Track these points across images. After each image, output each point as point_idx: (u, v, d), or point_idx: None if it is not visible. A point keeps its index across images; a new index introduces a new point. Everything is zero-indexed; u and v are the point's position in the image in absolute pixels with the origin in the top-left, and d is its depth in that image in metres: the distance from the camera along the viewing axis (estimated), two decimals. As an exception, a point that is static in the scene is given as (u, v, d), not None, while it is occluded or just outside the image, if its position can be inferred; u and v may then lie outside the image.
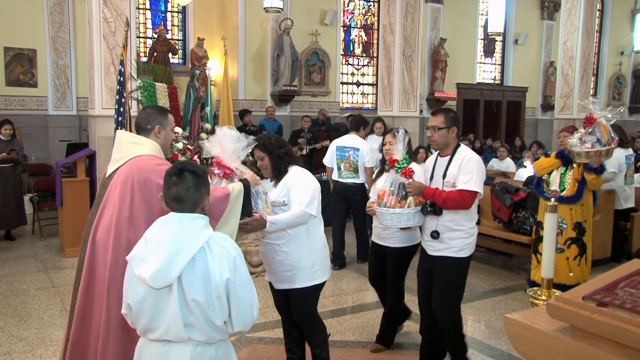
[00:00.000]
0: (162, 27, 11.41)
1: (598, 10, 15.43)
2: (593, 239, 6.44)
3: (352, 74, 14.04)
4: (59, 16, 10.47)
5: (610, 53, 17.93)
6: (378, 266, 4.14)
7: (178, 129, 6.74)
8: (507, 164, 9.28)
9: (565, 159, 5.05)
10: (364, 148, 6.21)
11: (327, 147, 9.74)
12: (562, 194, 5.02)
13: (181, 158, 6.31)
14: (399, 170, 3.39)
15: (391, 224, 3.49)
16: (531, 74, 16.52)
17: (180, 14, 12.12)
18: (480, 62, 16.06)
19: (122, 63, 6.16)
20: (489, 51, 16.12)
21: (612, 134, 4.69)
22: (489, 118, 15.58)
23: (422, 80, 12.85)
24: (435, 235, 3.42)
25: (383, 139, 4.38)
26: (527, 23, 16.22)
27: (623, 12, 17.95)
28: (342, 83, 13.78)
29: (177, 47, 11.66)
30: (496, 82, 16.31)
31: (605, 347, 1.41)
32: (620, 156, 6.47)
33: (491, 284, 5.83)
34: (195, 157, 6.73)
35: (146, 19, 11.72)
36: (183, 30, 12.16)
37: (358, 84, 14.15)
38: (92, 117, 7.12)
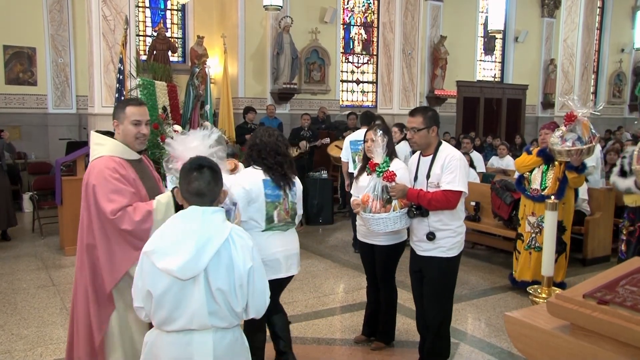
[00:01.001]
0: (162, 25, 11.40)
1: (598, 7, 15.42)
2: (593, 237, 6.45)
3: (352, 72, 14.03)
4: (58, 14, 10.46)
5: (611, 50, 17.91)
6: (373, 264, 4.06)
7: (178, 127, 6.74)
8: (507, 162, 9.26)
9: (547, 157, 5.00)
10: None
11: (327, 145, 9.78)
12: (543, 193, 5.00)
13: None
14: (380, 174, 3.34)
15: (378, 229, 3.43)
16: (531, 71, 16.50)
17: (179, 12, 12.10)
18: (481, 60, 16.05)
19: (121, 61, 6.16)
20: (489, 49, 16.10)
21: (593, 132, 4.62)
22: (489, 116, 15.57)
23: (422, 78, 12.84)
24: (431, 236, 3.38)
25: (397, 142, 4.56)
26: (527, 20, 16.20)
27: (623, 9, 17.93)
28: (342, 81, 13.77)
29: (176, 45, 11.65)
30: (496, 79, 16.31)
31: (606, 345, 1.41)
32: (597, 151, 6.59)
33: (491, 282, 5.82)
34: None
35: (146, 17, 11.71)
36: (183, 28, 12.15)
37: (358, 81, 14.14)
38: (91, 115, 7.11)
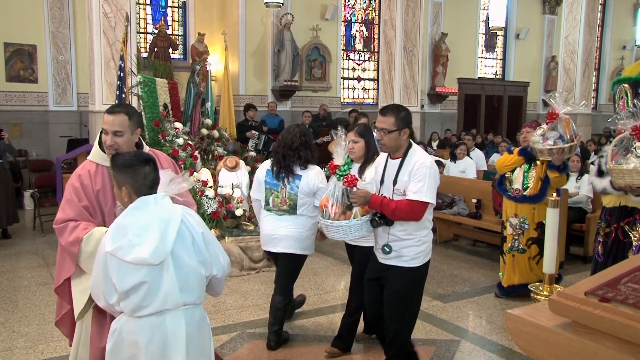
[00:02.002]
0: (163, 22, 11.40)
1: (600, 4, 15.37)
2: (594, 235, 6.41)
3: (353, 69, 14.02)
4: (59, 11, 10.45)
5: (612, 47, 17.87)
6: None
7: (179, 125, 6.74)
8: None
9: (528, 156, 4.84)
10: None
11: (328, 143, 9.76)
12: (525, 193, 4.86)
13: (182, 154, 6.32)
14: (341, 177, 3.06)
15: (337, 237, 3.16)
16: (533, 68, 16.48)
17: (180, 9, 12.09)
18: (482, 57, 16.03)
19: (122, 58, 6.16)
20: (490, 46, 16.08)
21: (574, 130, 4.44)
22: (490, 113, 15.55)
23: (423, 75, 12.82)
24: (387, 249, 3.16)
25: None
26: (528, 17, 16.17)
27: (625, 6, 17.89)
28: (343, 78, 13.76)
29: (177, 42, 11.65)
30: (497, 76, 16.28)
31: (607, 343, 1.41)
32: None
33: (493, 279, 5.81)
34: (196, 153, 6.73)
35: (146, 14, 11.70)
36: (183, 26, 12.13)
37: (359, 79, 14.13)
38: (92, 112, 7.11)
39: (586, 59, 10.92)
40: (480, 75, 15.88)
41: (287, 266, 4.06)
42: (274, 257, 4.18)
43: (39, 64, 10.46)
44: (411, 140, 3.20)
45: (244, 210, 6.24)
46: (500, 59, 16.46)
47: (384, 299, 3.28)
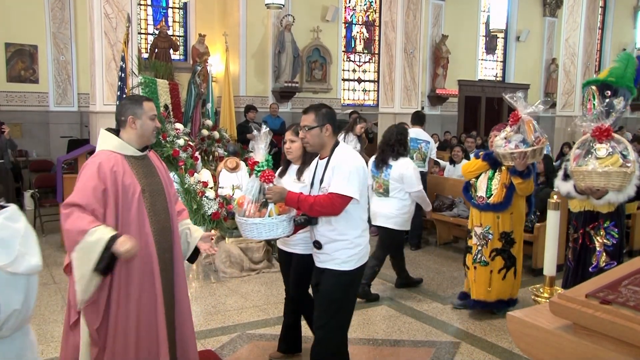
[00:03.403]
0: (164, 23, 11.41)
1: (600, 7, 15.37)
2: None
3: (354, 71, 14.03)
4: (60, 12, 10.46)
5: (613, 50, 17.87)
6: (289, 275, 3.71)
7: (179, 125, 6.75)
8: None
9: (493, 161, 4.53)
10: (432, 141, 7.32)
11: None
12: (488, 201, 4.51)
13: (183, 154, 6.32)
14: (259, 173, 2.99)
15: (251, 236, 3.05)
16: (533, 71, 16.49)
17: (181, 10, 12.11)
18: (482, 59, 16.05)
19: (123, 59, 6.16)
20: (490, 48, 16.09)
21: (538, 133, 4.18)
22: (490, 115, 15.56)
23: (423, 77, 12.83)
24: (317, 245, 3.07)
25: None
26: (528, 20, 16.19)
27: (625, 8, 17.91)
28: (344, 80, 13.78)
29: (178, 43, 11.66)
30: (498, 79, 16.29)
31: (608, 345, 1.41)
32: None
33: (492, 281, 5.81)
34: (197, 154, 6.74)
35: (147, 15, 11.72)
36: (184, 27, 12.15)
37: (359, 80, 14.14)
38: (93, 113, 7.11)
39: (586, 61, 10.92)
40: (480, 77, 15.89)
41: (382, 237, 5.22)
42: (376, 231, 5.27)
43: (39, 65, 10.46)
44: (339, 140, 3.13)
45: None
46: (500, 61, 16.47)
47: (315, 303, 3.21)
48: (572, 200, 3.84)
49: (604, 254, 3.74)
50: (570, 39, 10.95)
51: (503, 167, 4.46)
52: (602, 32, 17.39)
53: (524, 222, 4.71)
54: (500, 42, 16.25)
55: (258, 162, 3.01)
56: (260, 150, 3.05)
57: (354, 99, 14.07)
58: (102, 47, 6.78)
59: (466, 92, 15.04)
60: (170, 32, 11.51)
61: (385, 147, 5.12)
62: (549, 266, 2.84)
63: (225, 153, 7.34)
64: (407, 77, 9.70)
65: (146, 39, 11.51)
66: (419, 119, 7.40)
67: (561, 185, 3.83)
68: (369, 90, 14.29)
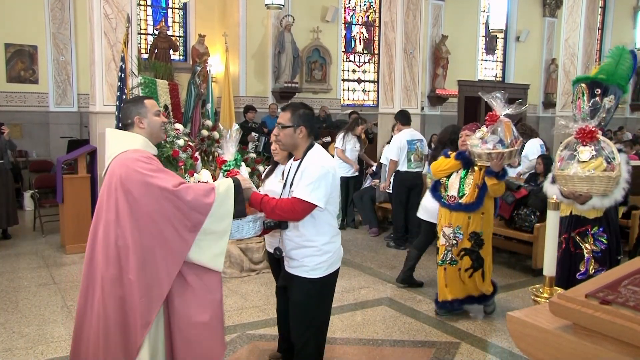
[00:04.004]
0: (163, 23, 11.40)
1: (600, 7, 15.39)
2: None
3: (354, 71, 14.03)
4: (59, 12, 10.46)
5: (612, 50, 17.87)
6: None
7: (179, 126, 6.74)
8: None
9: (466, 160, 4.44)
10: (424, 139, 7.24)
11: (328, 143, 9.77)
12: (460, 201, 4.44)
13: (182, 155, 6.32)
14: (225, 172, 3.03)
15: None
16: (533, 71, 16.49)
17: (181, 11, 12.11)
18: (482, 59, 16.05)
19: (123, 59, 6.15)
20: (490, 48, 16.10)
21: (515, 134, 4.13)
22: (490, 115, 15.54)
23: (423, 77, 12.83)
24: (277, 252, 3.07)
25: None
26: (528, 20, 16.19)
27: (625, 9, 17.91)
28: (344, 80, 13.78)
29: (178, 43, 11.66)
30: (497, 79, 16.29)
31: (608, 345, 1.41)
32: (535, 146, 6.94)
33: (492, 281, 5.82)
34: (197, 154, 6.73)
35: (147, 15, 11.72)
36: (184, 27, 12.15)
37: (359, 80, 14.14)
38: (93, 113, 7.10)
39: (586, 61, 10.90)
40: (480, 77, 15.89)
41: (424, 229, 5.45)
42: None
43: (39, 65, 10.47)
44: (317, 143, 3.07)
45: (244, 211, 6.23)
46: (500, 62, 16.48)
47: (289, 311, 3.18)
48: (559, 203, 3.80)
49: (593, 260, 3.62)
50: (570, 39, 10.94)
51: (476, 167, 4.38)
52: (601, 32, 17.40)
53: (492, 223, 4.65)
54: (500, 43, 16.26)
55: (226, 161, 3.02)
56: (229, 149, 3.06)
57: (353, 99, 14.07)
58: (102, 48, 6.78)
59: (466, 93, 15.04)
60: (170, 33, 11.52)
61: (438, 145, 5.30)
62: (549, 266, 2.83)
63: (225, 153, 7.33)
64: (407, 78, 9.69)
65: (146, 39, 11.52)
66: (407, 118, 7.26)
67: (548, 189, 3.73)
68: (369, 91, 14.29)
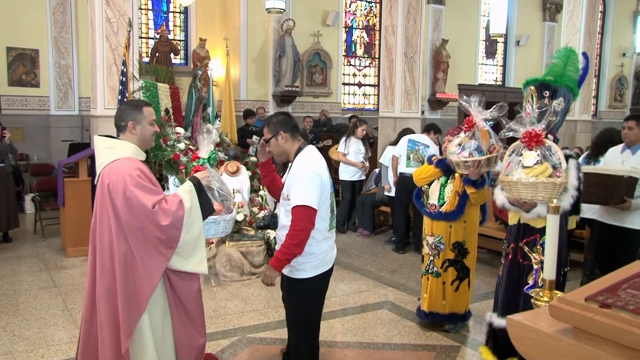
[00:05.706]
0: (164, 27, 11.45)
1: (600, 11, 15.43)
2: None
3: (354, 75, 14.06)
4: (61, 16, 10.49)
5: (612, 54, 17.92)
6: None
7: (180, 130, 6.76)
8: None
9: (446, 168, 4.28)
10: (433, 146, 7.08)
11: (328, 147, 9.78)
12: (440, 209, 4.26)
13: (183, 158, 6.33)
14: (192, 167, 3.09)
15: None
16: (533, 75, 16.41)
17: (182, 15, 12.14)
18: (482, 63, 16.07)
19: (124, 63, 6.18)
20: (490, 52, 16.13)
21: (494, 140, 3.92)
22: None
23: (423, 81, 12.85)
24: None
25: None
26: (528, 24, 16.23)
27: (625, 13, 17.95)
28: (344, 84, 13.80)
29: (179, 47, 11.69)
30: (498, 83, 16.31)
31: (608, 349, 1.41)
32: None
33: (493, 285, 5.80)
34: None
35: (148, 19, 11.75)
36: (185, 31, 12.18)
37: (360, 84, 14.16)
38: (94, 117, 7.12)
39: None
40: (480, 81, 15.91)
41: None
42: None
43: (41, 69, 10.49)
44: (316, 146, 3.10)
45: (245, 215, 6.24)
46: (500, 66, 16.50)
47: (285, 310, 3.28)
48: (509, 211, 3.56)
49: (542, 271, 3.31)
50: (570, 44, 10.97)
51: (456, 175, 4.23)
52: (601, 36, 17.43)
53: (477, 231, 4.47)
54: (500, 47, 16.29)
55: (199, 157, 3.02)
56: (204, 147, 3.07)
57: (354, 103, 14.09)
58: (103, 51, 6.80)
59: (466, 96, 15.04)
60: (171, 37, 11.55)
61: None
62: (549, 270, 2.83)
63: (226, 157, 7.35)
64: (407, 82, 9.72)
65: (147, 43, 11.55)
66: (427, 127, 7.47)
67: (497, 196, 3.57)
68: (369, 95, 14.31)
